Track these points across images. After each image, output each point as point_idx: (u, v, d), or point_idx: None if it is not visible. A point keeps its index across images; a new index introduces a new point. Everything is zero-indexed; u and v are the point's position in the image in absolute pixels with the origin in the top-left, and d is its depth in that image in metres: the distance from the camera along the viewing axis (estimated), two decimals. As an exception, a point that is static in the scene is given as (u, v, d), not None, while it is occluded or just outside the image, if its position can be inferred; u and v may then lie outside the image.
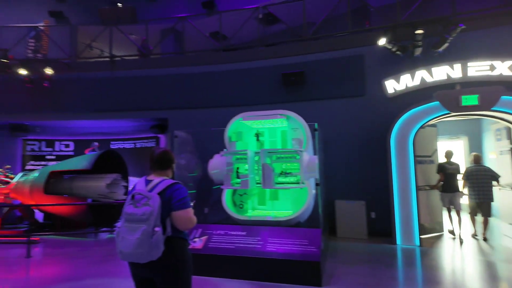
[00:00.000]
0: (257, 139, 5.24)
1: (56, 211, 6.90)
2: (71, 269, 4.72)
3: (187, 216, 1.98)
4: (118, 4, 9.10)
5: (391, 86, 6.21)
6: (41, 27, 9.50)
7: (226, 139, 4.81)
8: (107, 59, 8.11)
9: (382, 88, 6.29)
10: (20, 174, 7.09)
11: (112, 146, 8.76)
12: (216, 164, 4.75)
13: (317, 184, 4.51)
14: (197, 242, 3.87)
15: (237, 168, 4.73)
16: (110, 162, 7.23)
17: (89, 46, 8.32)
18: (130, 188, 7.71)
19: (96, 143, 8.71)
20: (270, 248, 3.71)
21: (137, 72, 7.95)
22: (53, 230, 7.09)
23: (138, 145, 8.83)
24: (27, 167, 8.59)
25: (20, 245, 6.13)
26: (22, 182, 6.78)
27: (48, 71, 7.26)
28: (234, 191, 4.86)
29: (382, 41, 5.97)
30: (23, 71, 7.19)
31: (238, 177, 4.66)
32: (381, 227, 5.80)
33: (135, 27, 9.19)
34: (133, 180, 8.12)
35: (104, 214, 7.07)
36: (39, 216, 7.46)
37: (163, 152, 2.22)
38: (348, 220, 5.93)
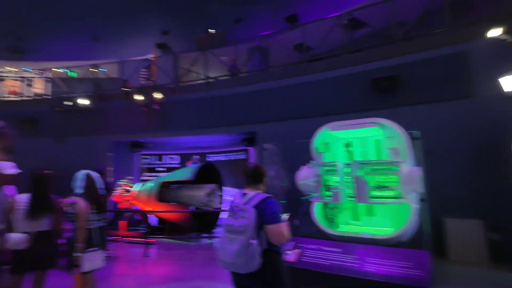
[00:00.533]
0: (347, 150, 5.03)
1: (166, 217, 7.87)
2: (179, 270, 5.29)
3: (279, 230, 2.02)
4: (211, 30, 10.02)
5: (510, 83, 5.21)
6: (151, 58, 11.12)
7: (313, 150, 4.76)
8: (203, 81, 8.99)
9: (497, 87, 5.33)
10: (138, 184, 8.33)
11: (208, 159, 9.58)
12: (304, 176, 4.72)
13: (422, 200, 4.03)
14: (290, 255, 3.90)
15: (327, 180, 4.61)
16: (208, 174, 7.92)
17: (188, 70, 9.36)
18: (224, 198, 8.30)
19: (197, 156, 9.67)
20: (369, 268, 3.48)
21: (229, 90, 8.57)
22: (165, 233, 8.08)
23: (230, 158, 9.45)
24: (143, 178, 10.05)
25: (140, 245, 7.18)
26: (141, 190, 7.96)
27: (157, 95, 8.42)
28: (325, 204, 4.74)
29: (494, 32, 5.10)
30: (139, 97, 8.52)
31: (328, 189, 4.53)
32: (508, 251, 4.82)
33: (225, 49, 9.96)
34: (227, 190, 8.71)
35: (204, 221, 7.75)
36: (154, 220, 8.61)
37: (255, 167, 2.32)
38: (462, 242, 5.03)
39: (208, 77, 8.82)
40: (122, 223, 7.98)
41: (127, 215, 8.18)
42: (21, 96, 10.90)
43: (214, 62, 9.55)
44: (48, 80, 11.59)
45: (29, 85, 12.03)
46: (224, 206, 8.34)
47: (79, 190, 3.19)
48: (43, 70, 11.12)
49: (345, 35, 7.81)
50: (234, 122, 8.40)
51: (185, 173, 7.63)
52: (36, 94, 11.67)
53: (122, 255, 6.33)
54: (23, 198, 3.06)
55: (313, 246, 4.04)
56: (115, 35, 14.75)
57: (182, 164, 9.91)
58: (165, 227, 8.25)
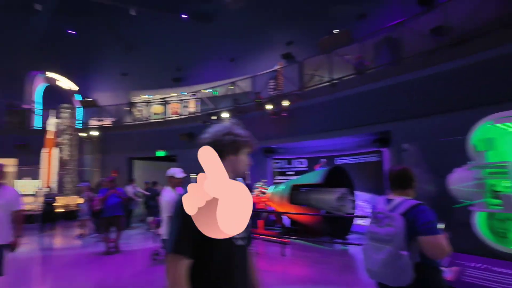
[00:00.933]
0: (521, 147, 3.92)
1: (298, 219, 8.09)
2: (315, 273, 5.29)
3: (436, 242, 1.73)
4: (334, 31, 9.82)
5: None
6: (277, 69, 11.80)
7: (470, 148, 3.92)
8: (327, 83, 8.88)
9: None
10: (272, 187, 8.89)
11: (336, 162, 9.33)
12: (460, 180, 3.95)
13: None
14: (447, 273, 3.30)
15: (493, 185, 3.72)
16: (337, 177, 7.71)
17: (312, 75, 9.45)
18: (357, 203, 7.87)
19: (324, 160, 9.59)
20: None
21: (356, 89, 8.16)
22: (297, 234, 8.32)
23: (360, 160, 8.92)
24: (275, 181, 10.67)
25: (275, 244, 7.61)
26: (274, 193, 8.46)
27: (285, 103, 8.83)
28: (491, 215, 3.82)
29: None
30: (269, 106, 9.15)
31: (494, 196, 3.64)
32: None
33: (350, 48, 9.55)
34: (359, 195, 8.23)
35: (337, 225, 7.55)
36: (287, 221, 8.99)
37: (402, 169, 2.07)
38: None
39: (333, 79, 8.64)
40: (260, 222, 8.67)
41: (263, 215, 8.83)
42: (180, 115, 13.44)
43: (339, 63, 9.30)
44: (198, 100, 13.90)
45: (185, 106, 14.75)
46: (358, 212, 7.91)
47: None
48: (194, 92, 13.43)
49: (500, 6, 6.20)
50: (363, 122, 7.91)
51: (314, 177, 7.67)
52: (190, 113, 14.18)
53: (261, 252, 6.85)
54: None
55: (478, 265, 3.30)
56: (247, 53, 16.41)
57: (310, 168, 10.00)
58: (297, 228, 8.48)
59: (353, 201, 7.46)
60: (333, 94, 8.46)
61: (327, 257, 6.42)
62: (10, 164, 14.58)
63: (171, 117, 14.51)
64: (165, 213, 3.92)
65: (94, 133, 13.35)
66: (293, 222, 8.64)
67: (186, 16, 17.56)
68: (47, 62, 18.41)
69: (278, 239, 7.84)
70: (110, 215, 6.26)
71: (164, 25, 19.01)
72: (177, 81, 17.85)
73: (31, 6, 16.10)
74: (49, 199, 9.31)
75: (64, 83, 18.15)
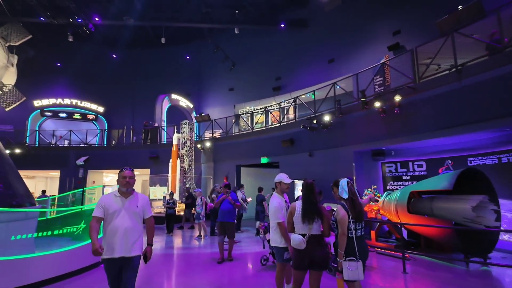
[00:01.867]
0: None
1: (420, 231, 6.95)
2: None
3: None
4: (459, 7, 8.25)
5: None
6: (384, 62, 10.67)
7: None
8: (449, 71, 7.45)
9: None
10: (385, 194, 7.94)
11: (469, 163, 7.69)
12: None
13: None
14: None
15: None
16: (472, 182, 6.30)
17: (429, 64, 8.10)
18: (503, 214, 6.23)
19: (450, 161, 8.05)
20: None
21: (490, 74, 6.58)
22: (418, 248, 7.15)
23: (504, 160, 7.09)
24: (389, 187, 9.55)
25: (390, 258, 6.69)
26: (388, 200, 7.52)
27: (397, 97, 7.82)
28: None
29: None
30: (377, 104, 8.28)
31: None
32: None
33: (478, 24, 7.82)
34: (504, 204, 6.53)
35: (474, 241, 6.14)
36: (404, 233, 7.87)
37: None
38: None
39: (458, 65, 7.19)
40: (372, 233, 7.84)
41: (376, 226, 7.96)
42: (280, 122, 13.63)
43: (463, 45, 7.72)
44: (297, 105, 13.83)
45: (285, 113, 14.89)
46: (505, 225, 6.26)
47: (344, 196, 3.29)
48: (293, 98, 13.41)
49: None
50: (502, 113, 6.28)
51: (439, 182, 6.45)
52: (290, 119, 14.22)
53: (375, 266, 6.12)
54: (298, 204, 3.50)
55: None
56: (347, 52, 15.55)
57: (430, 171, 8.55)
58: (418, 242, 7.30)
59: (497, 211, 5.93)
60: (459, 82, 7.03)
61: (461, 278, 5.23)
62: (145, 174, 17.64)
63: (272, 125, 14.87)
64: (273, 219, 3.85)
65: (208, 144, 14.81)
66: (412, 234, 7.48)
67: (283, 25, 17.92)
68: (171, 85, 21.68)
69: (394, 252, 6.91)
70: (222, 221, 6.52)
71: (263, 38, 19.92)
72: (277, 90, 18.29)
73: (159, 39, 19.23)
74: (171, 204, 10.63)
75: (184, 102, 20.98)
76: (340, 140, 10.04)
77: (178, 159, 13.68)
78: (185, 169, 13.91)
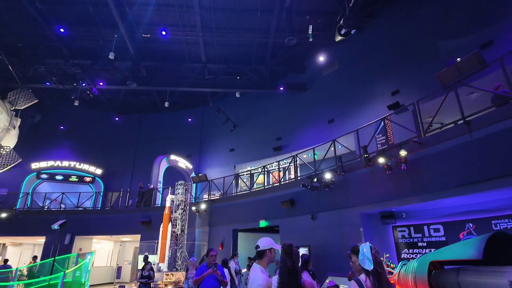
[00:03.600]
0: None
1: (448, 313, 5.60)
2: None
3: None
4: (458, 59, 8.11)
5: None
6: (385, 118, 10.29)
7: None
8: (455, 123, 6.93)
9: None
10: (399, 264, 6.74)
11: (494, 227, 6.63)
12: None
13: None
14: None
15: None
16: (504, 249, 5.22)
17: (433, 117, 7.63)
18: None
19: (471, 224, 7.01)
20: None
21: (501, 125, 6.02)
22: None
23: (536, 223, 6.07)
24: (403, 255, 8.29)
25: None
26: (404, 273, 6.31)
27: (403, 152, 7.17)
28: None
29: None
30: (381, 160, 7.60)
31: None
32: None
33: (481, 80, 7.54)
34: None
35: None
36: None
37: None
38: None
39: (464, 117, 6.69)
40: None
41: (393, 304, 6.58)
42: (280, 182, 12.85)
43: (468, 98, 7.34)
44: (298, 165, 13.21)
45: (285, 172, 14.20)
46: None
47: (368, 266, 2.40)
48: (292, 156, 12.86)
49: None
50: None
51: (464, 249, 5.37)
52: (291, 178, 13.45)
53: None
54: (274, 280, 2.63)
55: None
56: (346, 112, 15.49)
57: (449, 236, 7.45)
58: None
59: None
60: (471, 135, 6.43)
61: None
62: (137, 240, 16.31)
63: (272, 184, 14.07)
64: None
65: (203, 206, 13.86)
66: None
67: (282, 88, 18.38)
68: (172, 147, 21.55)
69: None
70: None
71: (263, 101, 20.36)
72: (278, 150, 17.94)
73: (163, 104, 19.71)
74: (145, 279, 9.19)
75: (183, 163, 20.56)
76: (345, 201, 9.12)
77: (170, 223, 12.61)
78: (177, 234, 12.73)
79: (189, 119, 23.33)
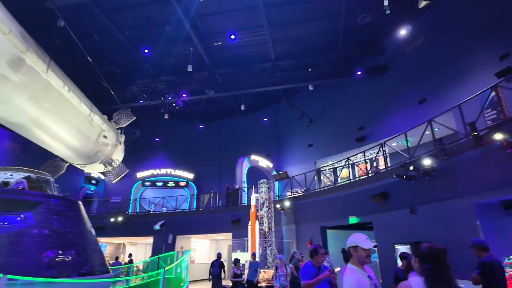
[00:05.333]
0: None
1: None
2: None
3: None
4: None
5: None
6: (497, 85, 8.41)
7: None
8: None
9: None
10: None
11: None
12: None
13: None
14: None
15: None
16: None
17: None
18: None
19: None
20: None
21: None
22: None
23: None
24: None
25: None
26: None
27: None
28: None
29: None
30: (498, 136, 6.15)
31: None
32: None
33: None
34: None
35: None
36: None
37: None
38: None
39: None
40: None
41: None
42: (368, 174, 11.76)
43: None
44: (387, 154, 11.90)
45: (373, 164, 12.97)
46: None
47: None
48: (380, 144, 11.63)
49: None
50: None
51: None
52: (380, 169, 12.21)
53: None
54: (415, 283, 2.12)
55: None
56: (442, 88, 13.43)
57: None
58: None
59: None
60: None
61: None
62: (230, 238, 17.07)
63: (360, 177, 13.02)
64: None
65: (287, 203, 13.67)
66: None
67: (360, 73, 16.98)
68: (252, 148, 22.08)
69: None
70: None
71: (339, 90, 19.21)
72: (361, 141, 16.60)
73: (239, 107, 20.37)
74: (238, 278, 9.33)
75: (263, 162, 20.84)
76: (452, 190, 7.72)
77: (257, 221, 12.77)
78: (265, 232, 12.82)
79: (265, 119, 23.58)
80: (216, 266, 10.81)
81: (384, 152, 11.23)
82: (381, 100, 16.42)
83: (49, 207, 6.12)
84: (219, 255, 11.30)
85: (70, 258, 5.74)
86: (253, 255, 10.14)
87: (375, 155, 13.40)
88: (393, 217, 9.30)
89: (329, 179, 15.86)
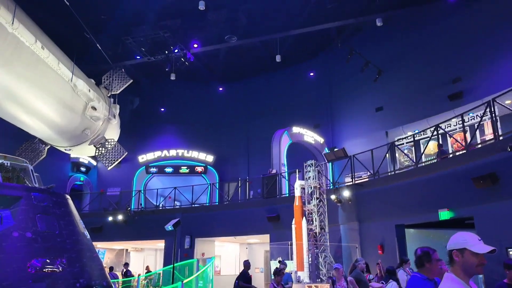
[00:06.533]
0: None
1: None
2: None
3: None
4: None
5: None
6: None
7: None
8: None
9: None
10: None
11: None
12: None
13: None
14: None
15: None
16: None
17: None
18: None
19: None
20: None
21: None
22: None
23: None
24: None
25: None
26: None
27: None
28: None
29: None
30: None
31: None
32: None
33: None
34: None
35: None
36: None
37: None
38: None
39: None
40: None
41: None
42: (467, 148, 11.27)
43: None
44: (497, 117, 11.25)
45: (475, 133, 12.34)
46: None
47: None
48: (487, 105, 11.02)
49: None
50: None
51: None
52: (486, 140, 11.64)
53: None
54: None
55: None
56: None
57: None
58: None
59: None
60: None
61: None
62: (264, 242, 17.49)
63: (455, 153, 12.55)
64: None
65: (346, 193, 13.60)
66: None
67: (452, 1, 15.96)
68: (293, 117, 21.97)
69: None
70: None
71: (421, 23, 18.26)
72: (457, 98, 15.85)
73: (273, 59, 20.17)
74: None
75: (310, 136, 20.73)
76: None
77: (304, 218, 12.88)
78: (315, 233, 12.93)
79: (311, 74, 23.16)
80: (238, 278, 10.92)
81: (493, 115, 10.67)
82: (487, 38, 15.50)
83: (30, 203, 6.52)
84: (245, 264, 11.52)
85: (61, 269, 6.17)
86: (283, 263, 10.21)
87: (479, 119, 12.76)
88: (505, 209, 9.03)
89: (408, 157, 15.49)
